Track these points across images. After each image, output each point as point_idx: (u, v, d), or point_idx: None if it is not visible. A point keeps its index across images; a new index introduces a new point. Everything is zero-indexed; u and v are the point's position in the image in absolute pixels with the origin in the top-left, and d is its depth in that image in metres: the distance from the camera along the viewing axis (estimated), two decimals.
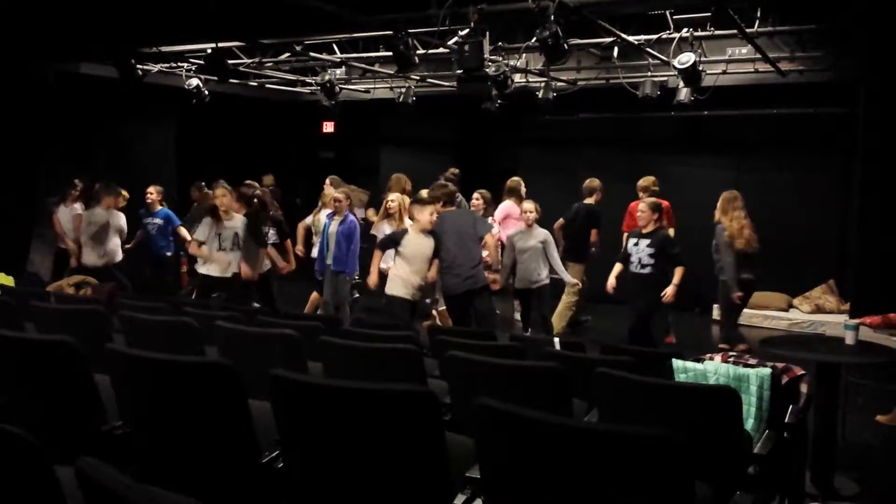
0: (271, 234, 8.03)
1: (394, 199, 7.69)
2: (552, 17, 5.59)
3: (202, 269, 7.36)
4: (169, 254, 9.18)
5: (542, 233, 7.42)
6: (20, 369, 3.05)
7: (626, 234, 8.26)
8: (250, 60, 9.34)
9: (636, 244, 6.89)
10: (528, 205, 7.49)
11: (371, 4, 6.42)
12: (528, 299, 7.70)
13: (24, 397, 3.08)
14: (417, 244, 6.58)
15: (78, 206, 8.63)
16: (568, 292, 8.49)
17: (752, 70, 8.51)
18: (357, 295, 8.65)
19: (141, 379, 2.75)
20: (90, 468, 1.55)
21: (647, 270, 6.81)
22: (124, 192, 8.81)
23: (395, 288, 6.59)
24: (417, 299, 6.79)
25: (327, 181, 9.01)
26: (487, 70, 7.46)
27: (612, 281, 7.16)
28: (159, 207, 8.98)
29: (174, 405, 2.70)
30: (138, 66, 8.69)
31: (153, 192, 8.94)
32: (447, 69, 9.55)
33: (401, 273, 6.57)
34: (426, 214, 6.53)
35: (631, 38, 7.28)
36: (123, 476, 1.50)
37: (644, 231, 6.88)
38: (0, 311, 4.86)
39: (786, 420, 3.63)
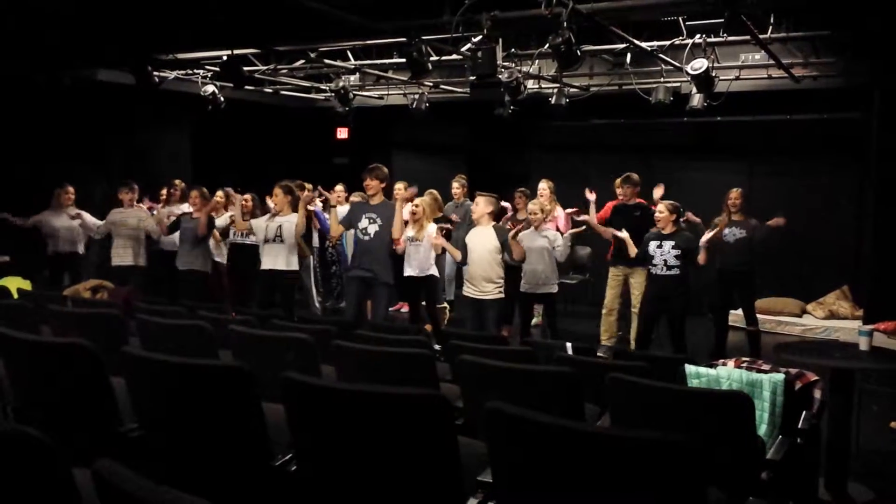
0: None
1: (418, 202, 7.74)
2: (565, 24, 5.59)
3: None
4: None
5: (551, 233, 7.34)
6: (37, 372, 3.09)
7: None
8: (265, 67, 9.39)
9: (659, 246, 6.83)
10: (533, 206, 7.47)
11: (385, 11, 6.44)
12: (531, 305, 7.66)
13: (42, 400, 3.12)
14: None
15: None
16: None
17: (766, 76, 8.47)
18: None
19: (156, 382, 2.77)
20: (107, 470, 1.57)
21: (674, 272, 6.77)
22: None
23: None
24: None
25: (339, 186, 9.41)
26: (500, 76, 7.48)
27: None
28: None
29: (189, 408, 2.72)
30: (154, 72, 8.76)
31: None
32: (460, 75, 9.57)
33: None
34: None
35: (644, 44, 7.27)
36: (139, 478, 1.52)
37: (665, 232, 6.84)
38: (17, 314, 4.92)
39: (799, 426, 3.61)
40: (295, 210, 7.55)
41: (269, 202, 7.90)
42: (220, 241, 8.59)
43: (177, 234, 8.49)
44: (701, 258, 6.71)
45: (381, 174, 7.14)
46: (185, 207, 8.60)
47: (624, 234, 7.17)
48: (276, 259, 7.45)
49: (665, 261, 6.79)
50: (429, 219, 7.70)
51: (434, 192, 8.46)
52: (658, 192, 8.01)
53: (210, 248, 8.39)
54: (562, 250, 7.27)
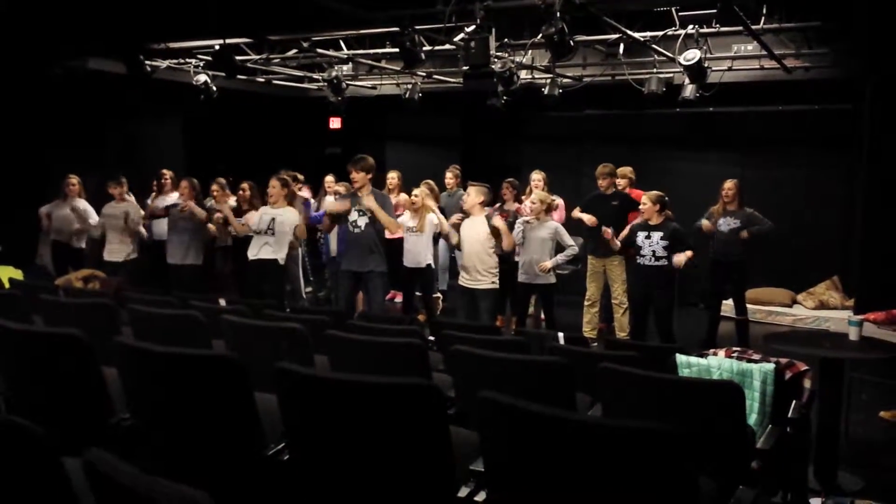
0: None
1: (417, 192, 7.72)
2: (558, 14, 5.59)
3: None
4: None
5: (551, 224, 7.28)
6: (29, 362, 3.08)
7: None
8: (258, 57, 9.35)
9: (648, 237, 6.83)
10: (536, 195, 7.44)
11: (378, 1, 6.43)
12: (528, 295, 7.66)
13: (33, 390, 3.11)
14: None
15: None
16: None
17: (758, 67, 8.48)
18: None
19: (148, 372, 2.77)
20: (98, 460, 1.57)
21: (661, 263, 6.79)
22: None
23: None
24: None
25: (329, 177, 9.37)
26: (493, 66, 7.46)
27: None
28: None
29: (181, 398, 2.72)
30: (147, 62, 8.72)
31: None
32: (453, 66, 9.57)
33: None
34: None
35: (637, 35, 7.27)
36: (131, 468, 1.52)
37: (652, 223, 6.85)
38: (9, 304, 4.90)
39: (789, 415, 3.64)
40: (290, 203, 7.55)
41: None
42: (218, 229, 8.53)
43: (164, 224, 8.44)
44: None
45: (366, 165, 6.93)
46: (175, 198, 8.52)
47: (609, 231, 7.13)
48: (263, 249, 7.44)
49: (653, 251, 6.81)
50: (428, 209, 7.69)
51: (430, 182, 8.44)
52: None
53: (201, 239, 8.30)
54: (565, 256, 7.23)
